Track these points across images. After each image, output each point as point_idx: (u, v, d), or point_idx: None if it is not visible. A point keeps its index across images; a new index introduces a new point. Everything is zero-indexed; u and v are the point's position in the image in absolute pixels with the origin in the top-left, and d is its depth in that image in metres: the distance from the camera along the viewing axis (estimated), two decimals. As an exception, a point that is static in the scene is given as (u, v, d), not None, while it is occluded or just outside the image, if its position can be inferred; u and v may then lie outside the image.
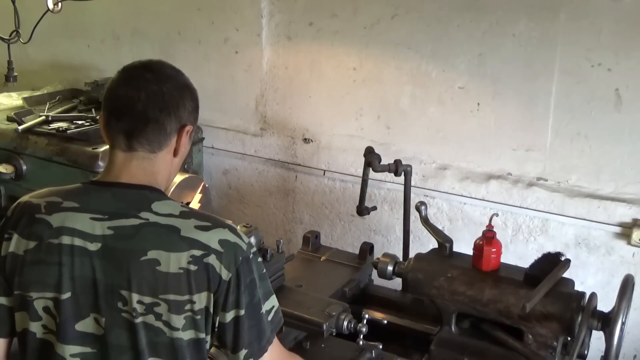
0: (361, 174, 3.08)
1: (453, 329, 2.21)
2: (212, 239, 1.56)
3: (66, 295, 1.57)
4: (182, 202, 1.67)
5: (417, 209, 2.38)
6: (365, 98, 3.25)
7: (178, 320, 1.55)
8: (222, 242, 1.57)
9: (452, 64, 2.99)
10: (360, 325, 2.07)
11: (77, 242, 1.57)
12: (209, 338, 1.60)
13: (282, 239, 2.32)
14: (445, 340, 2.19)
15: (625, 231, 2.78)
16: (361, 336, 2.07)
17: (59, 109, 3.46)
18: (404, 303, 2.56)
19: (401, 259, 2.40)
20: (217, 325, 1.59)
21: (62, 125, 3.15)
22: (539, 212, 2.93)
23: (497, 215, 2.37)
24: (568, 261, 2.16)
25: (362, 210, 2.77)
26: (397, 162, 2.72)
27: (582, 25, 2.69)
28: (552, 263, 2.14)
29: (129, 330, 1.57)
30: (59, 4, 3.07)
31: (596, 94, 2.73)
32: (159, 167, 1.67)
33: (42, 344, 1.62)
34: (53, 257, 1.58)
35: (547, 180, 2.92)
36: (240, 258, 1.58)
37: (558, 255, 2.18)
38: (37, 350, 1.63)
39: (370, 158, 2.69)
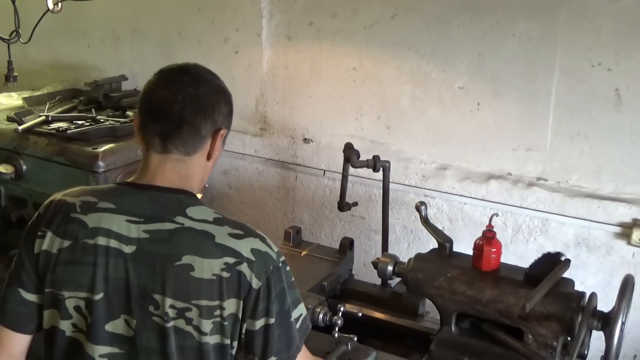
0: (360, 174, 3.10)
1: (453, 329, 2.21)
2: (244, 247, 1.57)
3: (99, 296, 1.59)
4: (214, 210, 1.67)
5: (417, 209, 2.38)
6: (365, 98, 3.25)
7: (207, 325, 1.56)
8: (254, 251, 1.58)
9: (452, 64, 2.99)
10: (335, 317, 2.08)
11: (113, 243, 1.58)
12: (235, 344, 1.60)
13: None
14: (445, 340, 2.19)
15: (625, 231, 2.78)
16: (336, 328, 2.08)
17: (59, 109, 3.46)
18: (382, 297, 2.59)
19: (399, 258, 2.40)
20: (244, 332, 1.59)
21: (62, 125, 3.15)
22: (539, 212, 2.93)
23: (497, 215, 2.37)
24: (568, 261, 2.16)
25: (343, 206, 2.77)
26: (375, 158, 2.74)
27: (582, 25, 2.69)
28: (552, 263, 2.14)
29: (159, 333, 1.58)
30: (59, 4, 3.07)
31: (596, 93, 2.73)
32: (193, 170, 1.69)
33: (71, 342, 1.63)
34: (88, 257, 1.59)
35: (547, 180, 2.92)
36: (271, 267, 1.59)
37: (558, 255, 2.18)
38: (65, 349, 1.64)
39: (349, 154, 2.70)
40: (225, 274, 1.55)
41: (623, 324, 1.93)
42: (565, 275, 2.14)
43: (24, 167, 3.12)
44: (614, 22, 2.64)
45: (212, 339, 1.58)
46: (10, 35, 3.03)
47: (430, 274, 2.23)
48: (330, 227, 3.48)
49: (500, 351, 2.12)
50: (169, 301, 1.55)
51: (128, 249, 1.58)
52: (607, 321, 1.98)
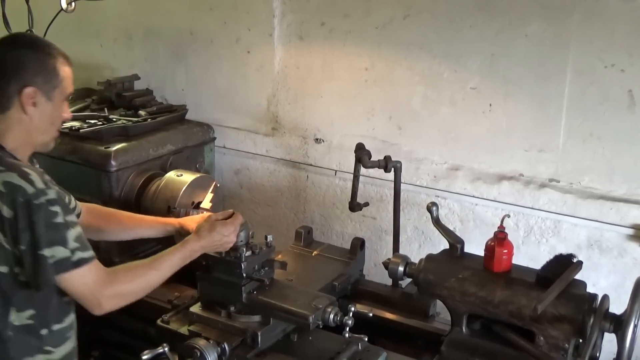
0: (372, 175, 3.10)
1: (464, 330, 2.21)
2: None
3: None
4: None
5: (429, 209, 2.38)
6: (377, 98, 3.24)
7: None
8: (6, 183, 1.82)
9: (464, 64, 2.99)
10: (346, 318, 2.09)
11: None
12: (7, 270, 1.86)
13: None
14: (456, 341, 2.19)
15: (638, 233, 2.76)
16: (347, 329, 2.08)
17: (72, 108, 3.47)
18: (393, 297, 2.60)
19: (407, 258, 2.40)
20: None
21: (75, 124, 3.17)
22: (551, 213, 2.92)
23: (508, 216, 2.36)
24: (580, 263, 2.15)
25: (354, 206, 2.78)
26: (387, 158, 2.75)
27: (595, 26, 2.68)
28: (564, 265, 2.13)
29: None
30: (73, 3, 3.09)
31: (609, 94, 2.72)
32: (7, 125, 1.95)
33: None
34: None
35: (559, 182, 2.91)
36: (22, 200, 1.78)
37: (570, 256, 2.17)
38: None
39: (360, 154, 2.71)
40: None
41: (635, 326, 1.92)
42: (577, 277, 2.13)
43: (36, 166, 3.13)
44: (627, 23, 2.62)
45: None
46: (24, 35, 3.05)
47: (441, 275, 2.23)
48: (341, 227, 3.48)
49: (512, 353, 2.12)
50: None
51: None
52: (619, 323, 1.97)
